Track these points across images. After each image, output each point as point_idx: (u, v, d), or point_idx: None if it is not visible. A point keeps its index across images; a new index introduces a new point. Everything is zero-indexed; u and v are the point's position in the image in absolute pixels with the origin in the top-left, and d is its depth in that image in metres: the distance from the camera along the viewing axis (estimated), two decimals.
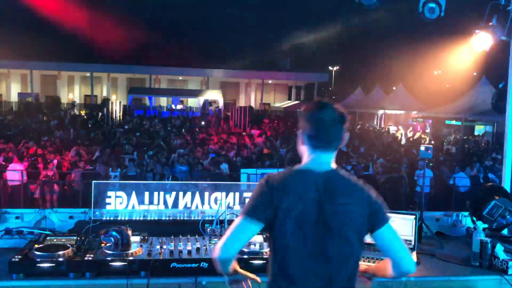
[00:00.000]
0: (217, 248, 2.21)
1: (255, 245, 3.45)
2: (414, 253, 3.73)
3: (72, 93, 45.71)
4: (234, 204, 4.16)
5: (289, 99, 48.51)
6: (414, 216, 3.86)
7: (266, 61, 45.98)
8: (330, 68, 48.51)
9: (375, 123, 33.18)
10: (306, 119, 2.28)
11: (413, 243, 3.81)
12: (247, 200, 2.43)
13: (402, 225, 3.84)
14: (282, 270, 2.19)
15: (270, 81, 47.39)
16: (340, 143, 2.28)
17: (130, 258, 3.20)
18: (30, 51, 35.83)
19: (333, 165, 2.28)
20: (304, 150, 2.32)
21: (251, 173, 10.01)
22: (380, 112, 31.15)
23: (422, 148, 4.46)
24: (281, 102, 46.25)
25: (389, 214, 2.29)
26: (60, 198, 10.86)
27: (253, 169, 10.35)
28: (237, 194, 4.21)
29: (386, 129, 29.62)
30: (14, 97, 41.22)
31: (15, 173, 10.86)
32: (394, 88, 32.61)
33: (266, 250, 3.40)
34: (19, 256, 3.17)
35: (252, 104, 42.86)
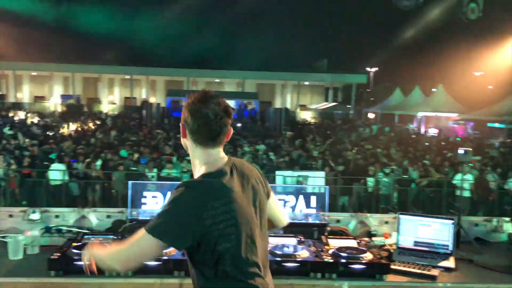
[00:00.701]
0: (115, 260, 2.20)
1: (288, 247, 3.44)
2: (452, 258, 3.62)
3: (112, 95, 46.78)
4: None
5: (326, 100, 48.10)
6: (452, 221, 3.75)
7: (302, 62, 45.76)
8: (368, 69, 47.82)
9: (415, 125, 32.52)
10: (189, 112, 2.11)
11: (450, 247, 3.70)
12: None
13: (440, 229, 3.73)
14: (222, 274, 2.03)
15: (306, 83, 47.13)
16: (225, 137, 2.15)
17: (165, 257, 3.24)
18: (72, 54, 36.97)
19: (225, 156, 2.18)
20: (189, 145, 2.18)
21: (287, 175, 9.92)
22: (420, 114, 30.50)
23: (461, 151, 4.32)
24: (317, 104, 45.92)
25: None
26: (101, 198, 11.15)
27: (288, 172, 10.28)
28: None
29: (425, 132, 28.97)
30: (56, 99, 42.56)
31: (57, 173, 11.20)
32: (434, 89, 31.86)
33: (300, 252, 3.37)
34: (58, 254, 3.26)
35: (288, 106, 42.71)
